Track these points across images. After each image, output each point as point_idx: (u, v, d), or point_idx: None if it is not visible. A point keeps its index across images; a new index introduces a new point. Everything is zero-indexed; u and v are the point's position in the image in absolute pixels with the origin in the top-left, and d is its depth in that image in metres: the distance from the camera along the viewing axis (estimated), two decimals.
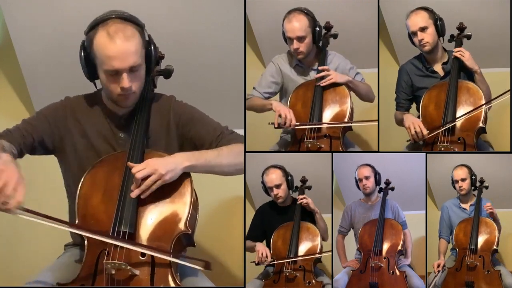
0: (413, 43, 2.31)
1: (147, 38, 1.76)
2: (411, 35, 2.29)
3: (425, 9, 2.26)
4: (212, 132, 1.84)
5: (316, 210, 2.38)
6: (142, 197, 1.63)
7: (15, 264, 2.55)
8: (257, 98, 2.39)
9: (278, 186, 2.38)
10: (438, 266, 2.37)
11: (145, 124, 1.79)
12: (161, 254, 1.58)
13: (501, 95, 2.15)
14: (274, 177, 2.38)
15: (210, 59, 2.49)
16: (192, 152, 1.74)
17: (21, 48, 2.45)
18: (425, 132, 2.19)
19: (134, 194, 1.63)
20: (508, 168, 2.52)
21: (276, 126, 2.26)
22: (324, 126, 2.27)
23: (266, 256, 2.31)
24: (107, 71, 1.68)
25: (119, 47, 1.64)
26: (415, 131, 2.20)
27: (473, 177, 2.44)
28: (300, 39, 2.29)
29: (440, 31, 2.25)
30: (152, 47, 1.77)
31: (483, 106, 2.15)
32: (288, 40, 2.33)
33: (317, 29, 2.30)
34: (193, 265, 1.61)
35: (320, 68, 2.32)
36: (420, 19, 2.24)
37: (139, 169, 1.62)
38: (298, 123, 2.26)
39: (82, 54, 1.72)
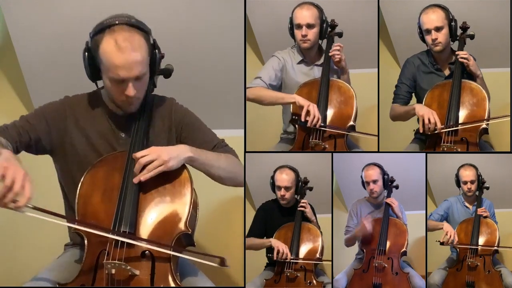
0: (422, 38, 2.29)
1: (152, 42, 1.74)
2: (424, 32, 2.26)
3: (442, 7, 2.24)
4: (209, 141, 1.87)
5: (312, 219, 2.38)
6: (142, 179, 1.63)
7: (15, 264, 2.55)
8: None
9: (287, 188, 2.36)
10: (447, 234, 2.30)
11: (146, 125, 1.79)
12: (175, 252, 1.60)
13: (501, 116, 2.17)
14: (287, 178, 2.36)
15: (210, 59, 2.49)
16: (194, 147, 1.76)
17: (21, 48, 2.45)
18: (439, 125, 2.15)
19: (136, 179, 1.64)
20: (508, 168, 2.52)
21: None
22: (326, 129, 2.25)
23: (287, 253, 2.27)
24: (113, 79, 1.68)
25: (126, 57, 1.63)
26: (429, 122, 2.14)
27: (480, 178, 2.42)
28: (310, 26, 2.31)
29: (453, 32, 2.24)
30: (156, 51, 1.76)
31: (483, 123, 2.13)
32: (296, 27, 2.33)
33: (325, 24, 2.33)
34: (208, 262, 1.60)
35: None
36: (436, 18, 2.22)
37: (142, 154, 1.64)
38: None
39: (86, 55, 1.71)
